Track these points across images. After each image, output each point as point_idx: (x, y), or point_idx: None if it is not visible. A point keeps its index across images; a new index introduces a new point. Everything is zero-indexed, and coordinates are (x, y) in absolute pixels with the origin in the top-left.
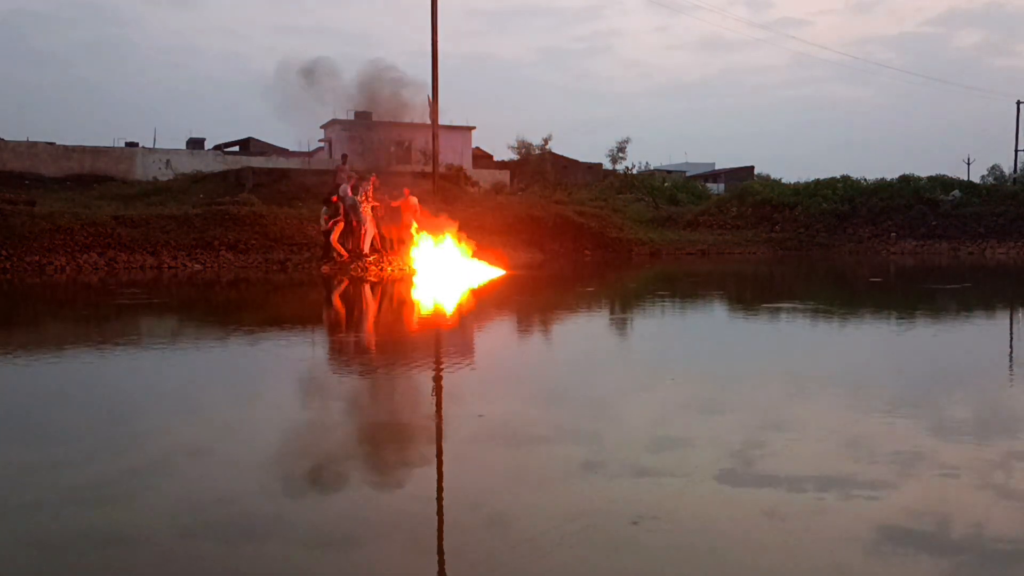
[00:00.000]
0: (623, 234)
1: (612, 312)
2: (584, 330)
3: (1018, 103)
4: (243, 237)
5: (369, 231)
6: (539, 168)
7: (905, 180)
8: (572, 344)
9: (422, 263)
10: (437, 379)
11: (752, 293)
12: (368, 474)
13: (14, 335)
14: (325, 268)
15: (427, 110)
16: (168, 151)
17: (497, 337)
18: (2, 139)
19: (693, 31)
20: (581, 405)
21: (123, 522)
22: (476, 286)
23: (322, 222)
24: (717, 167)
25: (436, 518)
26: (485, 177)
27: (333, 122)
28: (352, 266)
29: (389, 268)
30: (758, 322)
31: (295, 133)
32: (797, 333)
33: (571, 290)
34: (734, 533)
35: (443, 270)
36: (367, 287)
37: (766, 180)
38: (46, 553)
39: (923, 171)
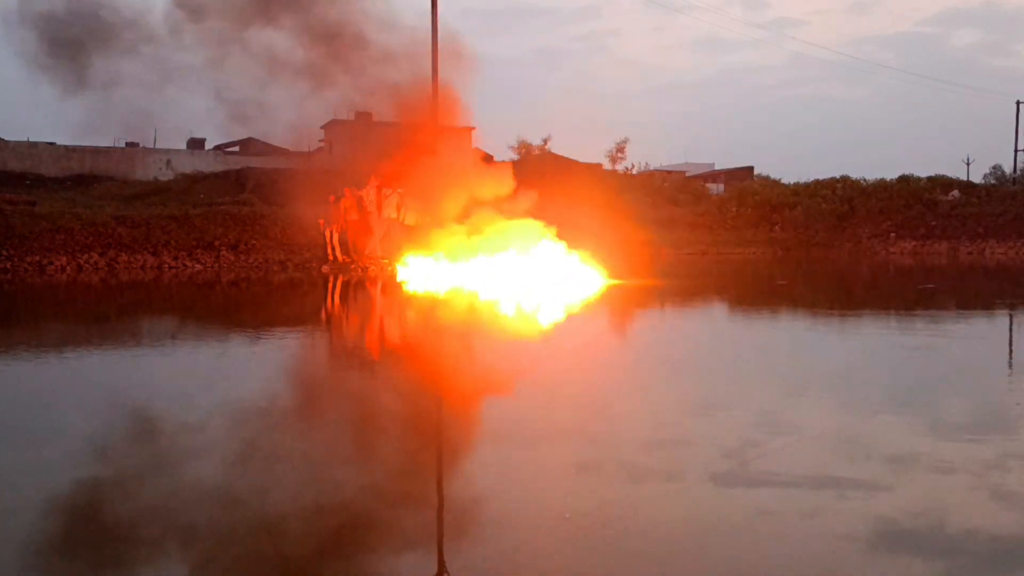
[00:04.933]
0: (623, 234)
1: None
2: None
3: (1018, 103)
4: (243, 237)
5: (373, 232)
6: (539, 169)
7: (904, 180)
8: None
9: (416, 265)
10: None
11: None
12: (370, 474)
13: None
14: (325, 268)
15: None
16: (168, 151)
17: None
18: (2, 139)
19: (690, 31)
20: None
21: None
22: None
23: (321, 223)
24: (717, 167)
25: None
26: None
27: (333, 122)
28: (352, 267)
29: (390, 268)
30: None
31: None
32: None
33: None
34: (732, 533)
35: (447, 273)
36: (367, 287)
37: (766, 180)
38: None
39: (923, 171)
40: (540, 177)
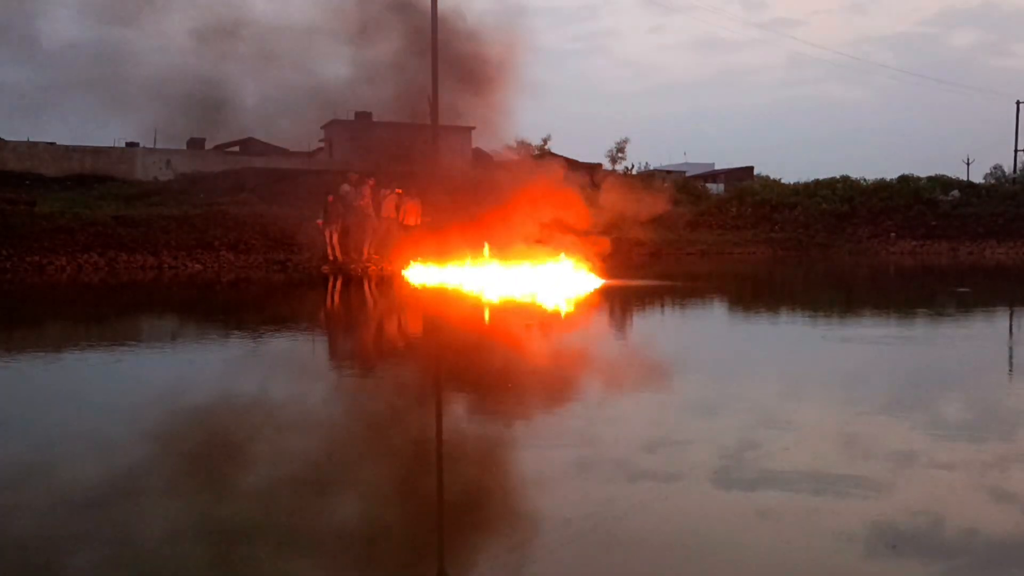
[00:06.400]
0: (622, 234)
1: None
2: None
3: (1018, 103)
4: (243, 237)
5: (372, 232)
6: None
7: (904, 180)
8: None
9: (421, 265)
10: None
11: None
12: (366, 473)
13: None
14: (325, 268)
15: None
16: (168, 151)
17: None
18: (2, 139)
19: (689, 31)
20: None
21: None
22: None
23: (320, 222)
24: (717, 167)
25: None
26: None
27: (333, 122)
28: (352, 267)
29: (390, 268)
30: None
31: None
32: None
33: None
34: (731, 533)
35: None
36: (366, 287)
37: (766, 180)
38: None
39: (923, 171)
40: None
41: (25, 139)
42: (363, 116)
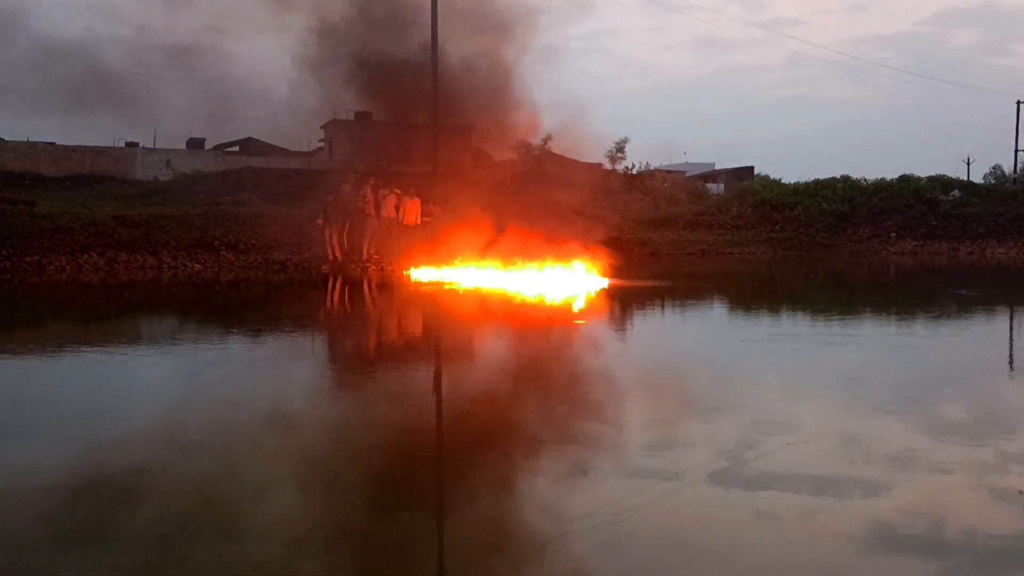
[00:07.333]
0: (623, 234)
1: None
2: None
3: (1018, 103)
4: (243, 237)
5: (371, 233)
6: (539, 168)
7: (905, 180)
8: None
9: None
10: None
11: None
12: (369, 474)
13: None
14: (325, 268)
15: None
16: (168, 151)
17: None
18: (2, 139)
19: (689, 30)
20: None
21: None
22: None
23: (320, 222)
24: (717, 167)
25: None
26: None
27: (333, 122)
28: (352, 267)
29: (390, 268)
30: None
31: None
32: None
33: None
34: (730, 533)
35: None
36: (366, 287)
37: (766, 180)
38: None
39: (923, 171)
40: (540, 177)
41: (25, 139)
42: (363, 116)
